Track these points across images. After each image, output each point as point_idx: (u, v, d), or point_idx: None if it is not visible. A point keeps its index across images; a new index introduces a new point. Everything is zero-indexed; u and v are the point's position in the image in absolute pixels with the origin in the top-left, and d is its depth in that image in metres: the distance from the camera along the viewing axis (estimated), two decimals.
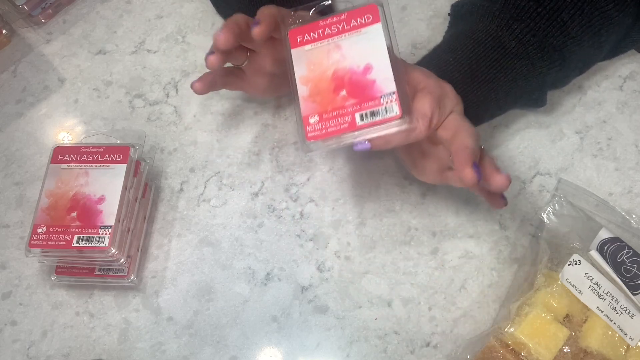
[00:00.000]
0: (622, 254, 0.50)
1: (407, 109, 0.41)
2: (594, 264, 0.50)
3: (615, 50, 0.59)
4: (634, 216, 0.54)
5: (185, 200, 0.60)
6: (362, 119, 0.41)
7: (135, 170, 0.56)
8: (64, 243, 0.52)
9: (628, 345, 0.48)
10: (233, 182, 0.61)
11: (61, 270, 0.56)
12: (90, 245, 0.52)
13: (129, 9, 0.70)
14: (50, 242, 0.52)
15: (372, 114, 0.41)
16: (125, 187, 0.54)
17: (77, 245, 0.52)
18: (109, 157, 0.56)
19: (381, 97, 0.41)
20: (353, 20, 0.44)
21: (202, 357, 0.54)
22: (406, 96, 0.42)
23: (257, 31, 0.46)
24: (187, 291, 0.57)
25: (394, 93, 0.41)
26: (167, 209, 0.60)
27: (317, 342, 0.54)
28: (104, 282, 0.56)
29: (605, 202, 0.55)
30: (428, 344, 0.53)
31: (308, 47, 0.44)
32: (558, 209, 0.55)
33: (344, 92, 0.42)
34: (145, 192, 0.59)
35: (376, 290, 0.55)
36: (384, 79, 0.42)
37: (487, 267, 0.55)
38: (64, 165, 0.56)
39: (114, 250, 0.52)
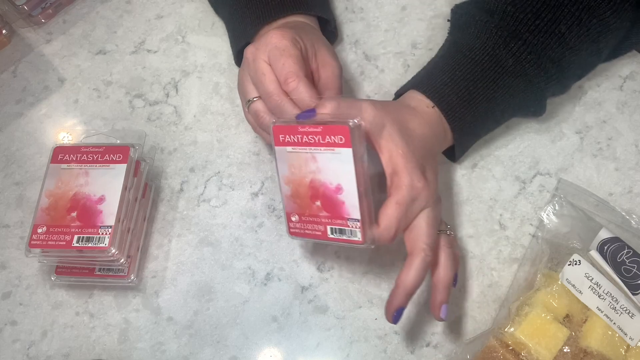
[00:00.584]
0: (622, 254, 0.50)
1: (370, 234, 0.46)
2: (594, 264, 0.50)
3: (614, 53, 0.59)
4: (634, 216, 0.54)
5: (185, 200, 0.60)
6: (332, 232, 0.47)
7: (135, 170, 0.56)
8: (64, 243, 0.52)
9: (628, 345, 0.48)
10: (233, 182, 0.61)
11: (61, 270, 0.56)
12: (90, 245, 0.52)
13: (129, 9, 0.70)
14: (50, 242, 0.52)
15: (340, 231, 0.46)
16: (125, 187, 0.54)
17: (77, 245, 0.52)
18: (109, 157, 0.56)
19: (348, 220, 0.46)
20: (327, 137, 0.46)
21: (202, 357, 0.54)
22: (368, 222, 0.46)
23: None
24: (187, 291, 0.57)
25: (358, 221, 0.45)
26: (167, 209, 0.60)
27: (317, 342, 0.54)
28: (104, 282, 0.56)
29: (605, 202, 0.55)
30: (428, 344, 0.53)
31: (289, 148, 0.48)
32: (558, 209, 0.55)
33: (318, 203, 0.47)
34: (145, 192, 0.59)
35: (376, 290, 0.55)
36: (351, 204, 0.45)
37: (487, 267, 0.55)
38: (64, 165, 0.56)
39: (114, 250, 0.52)
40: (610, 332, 0.48)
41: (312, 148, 0.46)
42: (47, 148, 0.63)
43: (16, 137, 0.65)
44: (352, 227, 0.46)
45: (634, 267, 0.49)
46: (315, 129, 0.46)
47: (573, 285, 0.50)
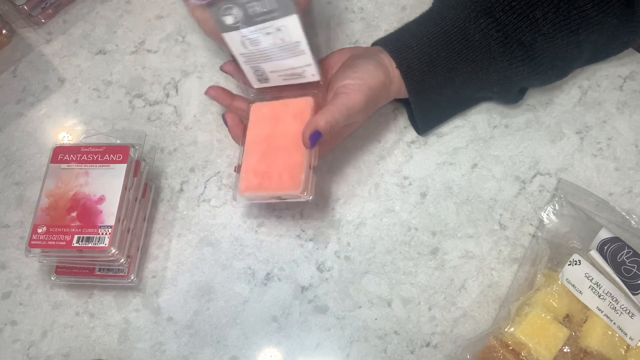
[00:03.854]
0: (622, 254, 0.50)
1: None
2: (594, 264, 0.50)
3: (607, 52, 0.59)
4: (634, 216, 0.54)
5: (185, 200, 0.60)
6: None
7: (135, 170, 0.56)
8: (64, 243, 0.52)
9: (628, 345, 0.48)
10: (233, 182, 0.61)
11: (61, 270, 0.56)
12: (90, 245, 0.52)
13: (129, 9, 0.70)
14: (50, 242, 0.52)
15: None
16: (125, 187, 0.54)
17: (77, 245, 0.52)
18: (109, 157, 0.56)
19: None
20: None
21: (202, 357, 0.54)
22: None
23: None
24: (187, 291, 0.57)
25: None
26: (167, 209, 0.60)
27: (317, 342, 0.54)
28: (104, 282, 0.56)
29: (605, 202, 0.55)
30: (428, 344, 0.53)
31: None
32: (558, 209, 0.55)
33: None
34: (145, 192, 0.59)
35: (376, 290, 0.55)
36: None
37: (487, 267, 0.55)
38: (64, 165, 0.56)
39: (114, 250, 0.52)
40: (610, 332, 0.48)
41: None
42: (47, 148, 0.63)
43: (16, 137, 0.65)
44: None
45: (634, 267, 0.49)
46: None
47: (573, 285, 0.50)
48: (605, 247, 0.50)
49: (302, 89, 0.54)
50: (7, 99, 0.67)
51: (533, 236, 0.56)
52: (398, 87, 0.56)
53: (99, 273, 0.56)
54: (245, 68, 0.53)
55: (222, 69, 0.57)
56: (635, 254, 0.50)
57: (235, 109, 0.58)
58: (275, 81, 0.54)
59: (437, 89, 0.56)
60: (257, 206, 0.60)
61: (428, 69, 0.54)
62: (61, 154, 0.56)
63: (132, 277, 0.56)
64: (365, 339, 0.54)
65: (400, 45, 0.55)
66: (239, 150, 0.54)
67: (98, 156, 0.56)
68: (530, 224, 0.57)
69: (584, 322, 0.49)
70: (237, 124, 0.56)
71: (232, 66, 0.56)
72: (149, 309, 0.56)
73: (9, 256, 0.59)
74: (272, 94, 0.56)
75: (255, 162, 0.53)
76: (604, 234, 0.51)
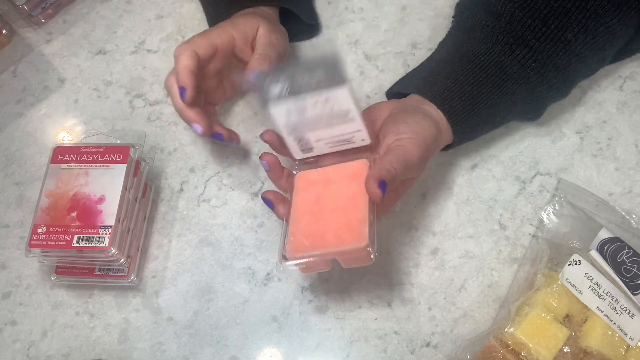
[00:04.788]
0: (622, 254, 0.50)
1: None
2: (594, 264, 0.50)
3: (615, 58, 0.59)
4: (634, 216, 0.54)
5: (185, 200, 0.60)
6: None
7: (135, 170, 0.56)
8: (64, 243, 0.52)
9: (628, 345, 0.48)
10: (233, 182, 0.61)
11: (61, 270, 0.56)
12: (90, 245, 0.52)
13: (129, 9, 0.70)
14: (50, 242, 0.52)
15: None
16: (125, 187, 0.54)
17: (77, 245, 0.52)
18: (109, 157, 0.56)
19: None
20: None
21: (202, 357, 0.54)
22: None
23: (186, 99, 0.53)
24: (187, 291, 0.57)
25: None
26: (167, 209, 0.60)
27: (317, 342, 0.54)
28: (104, 282, 0.56)
29: (605, 202, 0.55)
30: (428, 344, 0.53)
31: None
32: (558, 209, 0.55)
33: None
34: (145, 192, 0.59)
35: (376, 290, 0.55)
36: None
37: (487, 267, 0.55)
38: (64, 165, 0.56)
39: (114, 250, 0.52)
40: (610, 332, 0.48)
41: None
42: (47, 148, 0.63)
43: (16, 137, 0.65)
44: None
45: (634, 267, 0.49)
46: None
47: (573, 285, 0.50)
48: (605, 247, 0.50)
49: (349, 154, 0.50)
50: (7, 99, 0.67)
51: (533, 236, 0.56)
52: (447, 135, 0.52)
53: (99, 273, 0.56)
54: (289, 140, 0.49)
55: (262, 137, 0.50)
56: (635, 254, 0.50)
57: (280, 186, 0.51)
58: (319, 149, 0.50)
59: (480, 127, 0.55)
60: (257, 205, 0.59)
61: (471, 107, 0.52)
62: (61, 154, 0.56)
63: (132, 277, 0.56)
64: (365, 339, 0.54)
65: (437, 89, 0.52)
66: (283, 225, 0.48)
67: (98, 156, 0.56)
68: (530, 224, 0.57)
69: (584, 322, 0.49)
70: (282, 201, 0.50)
71: (273, 135, 0.50)
72: (149, 309, 0.56)
73: (9, 256, 0.59)
74: (316, 162, 0.51)
75: (305, 225, 0.47)
76: (604, 234, 0.51)
